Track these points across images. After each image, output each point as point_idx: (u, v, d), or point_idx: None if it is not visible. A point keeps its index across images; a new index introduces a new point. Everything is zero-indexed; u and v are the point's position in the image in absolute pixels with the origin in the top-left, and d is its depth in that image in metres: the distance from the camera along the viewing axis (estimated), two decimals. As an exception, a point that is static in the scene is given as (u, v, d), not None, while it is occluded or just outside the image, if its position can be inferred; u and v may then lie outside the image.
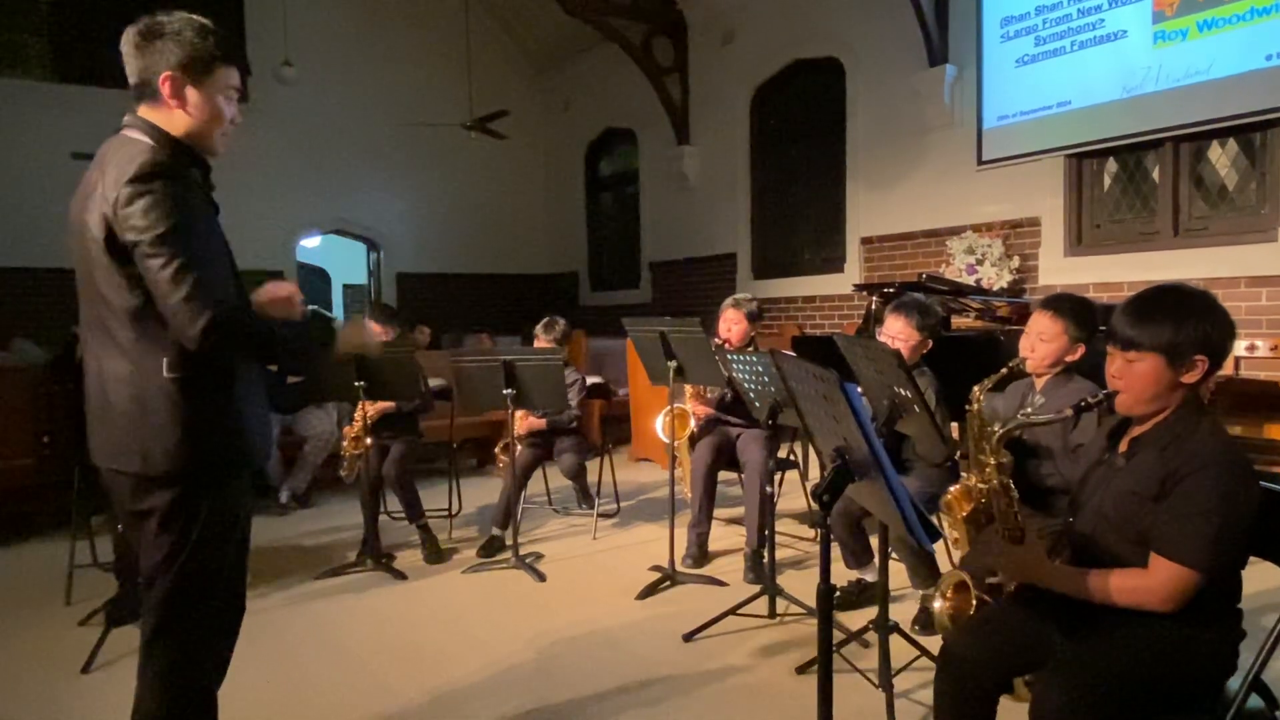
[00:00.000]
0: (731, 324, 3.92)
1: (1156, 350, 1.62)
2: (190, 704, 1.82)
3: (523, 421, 4.37)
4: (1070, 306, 2.56)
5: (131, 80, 1.74)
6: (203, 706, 1.85)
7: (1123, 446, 1.76)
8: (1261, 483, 1.61)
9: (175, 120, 1.74)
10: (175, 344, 1.66)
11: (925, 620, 3.03)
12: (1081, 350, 2.55)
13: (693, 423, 3.97)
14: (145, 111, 1.74)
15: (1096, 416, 2.10)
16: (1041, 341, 2.56)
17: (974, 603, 1.92)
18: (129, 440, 1.69)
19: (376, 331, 4.26)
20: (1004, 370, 2.46)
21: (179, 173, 1.67)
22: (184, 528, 1.74)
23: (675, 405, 3.89)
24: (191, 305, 1.59)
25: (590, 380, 4.94)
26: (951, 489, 2.34)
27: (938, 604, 1.94)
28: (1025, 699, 1.68)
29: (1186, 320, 1.60)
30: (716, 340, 3.87)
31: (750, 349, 3.86)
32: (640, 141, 10.31)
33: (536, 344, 4.48)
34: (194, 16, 1.78)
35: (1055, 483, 2.43)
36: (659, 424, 4.00)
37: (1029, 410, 2.48)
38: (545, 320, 4.58)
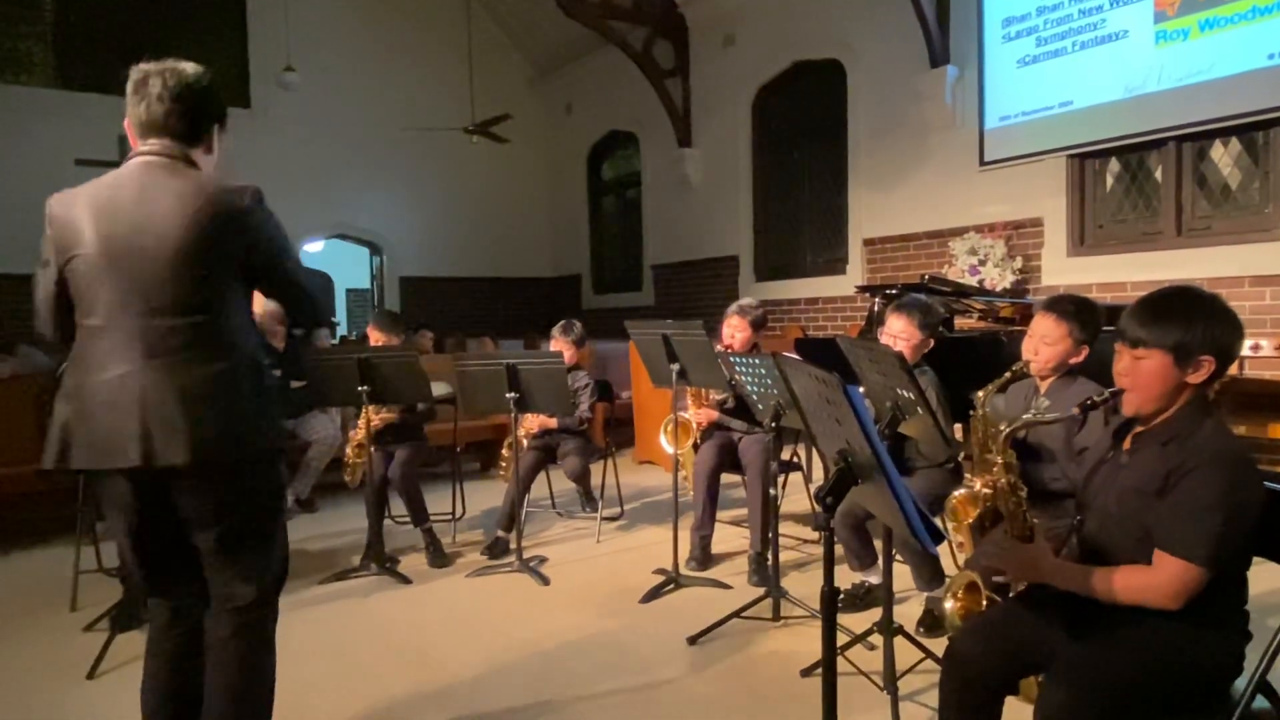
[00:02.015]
0: (735, 331, 3.91)
1: (1164, 349, 1.62)
2: (272, 673, 2.01)
3: (534, 420, 4.37)
4: (1074, 309, 2.51)
5: (180, 127, 1.88)
6: (274, 677, 2.03)
7: (1126, 444, 1.76)
8: (1266, 483, 1.60)
9: (207, 164, 1.96)
10: (253, 330, 1.94)
11: (930, 622, 3.03)
12: (1085, 353, 2.52)
13: (695, 432, 3.96)
14: (180, 151, 1.89)
15: (1103, 420, 2.09)
16: (1045, 345, 2.51)
17: (984, 603, 1.92)
18: (225, 427, 1.79)
19: (379, 339, 4.27)
20: (1008, 375, 2.46)
21: None
22: (274, 501, 1.99)
23: (678, 415, 3.88)
24: (321, 296, 2.05)
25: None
26: (956, 494, 2.33)
27: (949, 604, 1.94)
28: (1033, 701, 1.68)
29: (1195, 321, 1.61)
30: (719, 346, 3.87)
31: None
32: (642, 144, 10.32)
33: (553, 346, 4.49)
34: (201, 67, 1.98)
35: (1061, 487, 2.41)
36: (663, 436, 3.99)
37: (1033, 412, 2.48)
38: (562, 323, 4.58)
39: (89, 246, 1.79)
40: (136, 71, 1.88)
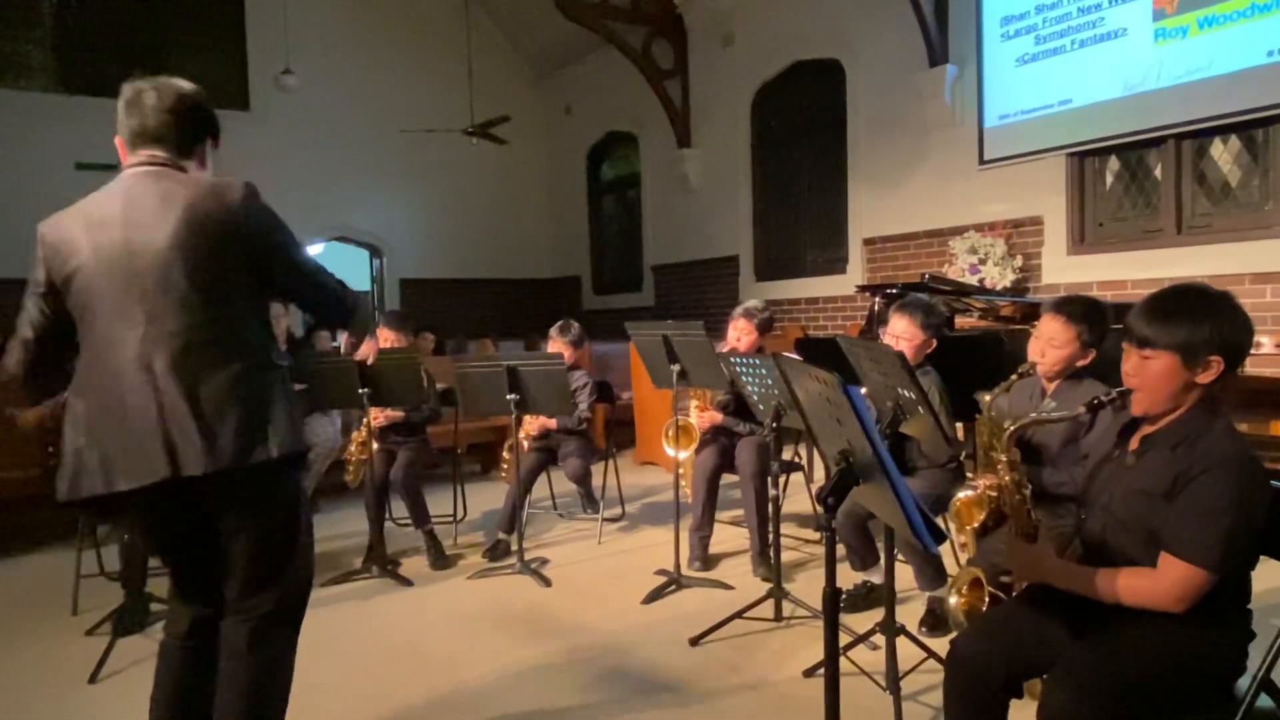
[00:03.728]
0: (742, 334, 3.87)
1: (1172, 349, 1.61)
2: (285, 690, 1.96)
3: (534, 421, 4.36)
4: (1083, 311, 2.48)
5: (177, 141, 1.87)
6: (288, 694, 1.99)
7: (1133, 444, 1.75)
8: (1272, 482, 1.60)
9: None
10: (272, 332, 1.91)
11: (932, 622, 3.03)
12: (1093, 354, 2.49)
13: (698, 435, 3.94)
14: (172, 160, 1.87)
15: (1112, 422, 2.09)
16: (1053, 347, 2.48)
17: (987, 599, 1.91)
18: (244, 434, 1.75)
19: (389, 338, 4.27)
20: (1013, 376, 2.44)
21: None
22: (297, 506, 1.93)
23: (679, 419, 3.87)
24: (343, 287, 1.99)
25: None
26: (960, 496, 2.32)
27: (953, 600, 1.94)
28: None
29: (1203, 320, 1.59)
30: (725, 347, 3.85)
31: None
32: (641, 145, 10.32)
33: (551, 347, 4.48)
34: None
35: (1067, 490, 2.39)
36: (664, 440, 3.97)
37: (1033, 415, 2.47)
38: (560, 323, 4.57)
39: (86, 260, 1.77)
40: (129, 88, 1.86)
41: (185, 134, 1.88)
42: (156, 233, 1.74)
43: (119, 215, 1.77)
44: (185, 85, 1.90)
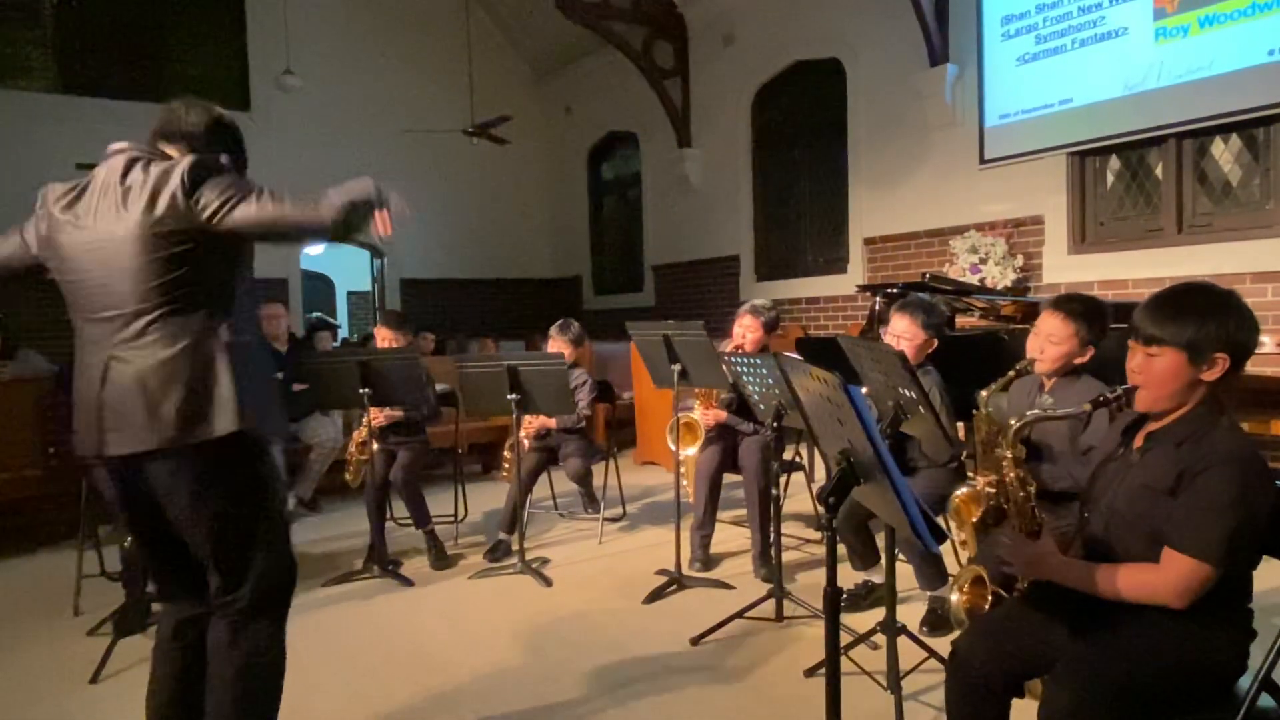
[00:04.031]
0: (747, 331, 3.84)
1: (1177, 346, 1.61)
2: (274, 684, 1.94)
3: (534, 420, 4.36)
4: (1082, 308, 2.50)
5: (190, 133, 1.92)
6: (279, 688, 1.96)
7: (1138, 442, 1.75)
8: (1276, 481, 1.60)
9: None
10: (229, 311, 1.84)
11: (933, 621, 3.03)
12: (1091, 352, 2.50)
13: (702, 432, 3.93)
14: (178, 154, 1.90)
15: (1108, 418, 2.09)
16: (1051, 344, 2.50)
17: (989, 597, 1.91)
18: (197, 409, 1.75)
19: (387, 337, 4.27)
20: (1011, 374, 2.45)
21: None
22: (255, 495, 1.87)
23: (681, 415, 3.86)
24: (298, 201, 1.78)
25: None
26: (959, 493, 2.33)
27: (955, 597, 1.94)
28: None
29: (1209, 318, 1.59)
30: (730, 345, 3.84)
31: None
32: (642, 145, 10.31)
33: (551, 346, 4.47)
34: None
35: (1066, 486, 2.40)
36: (668, 436, 3.96)
37: (1041, 409, 2.47)
38: (560, 322, 4.57)
39: (59, 248, 1.84)
40: (179, 103, 1.95)
41: (206, 137, 1.93)
42: (114, 222, 1.79)
43: (86, 201, 1.84)
44: (224, 112, 2.01)
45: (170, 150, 1.90)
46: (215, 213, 1.75)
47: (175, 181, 1.75)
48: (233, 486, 1.84)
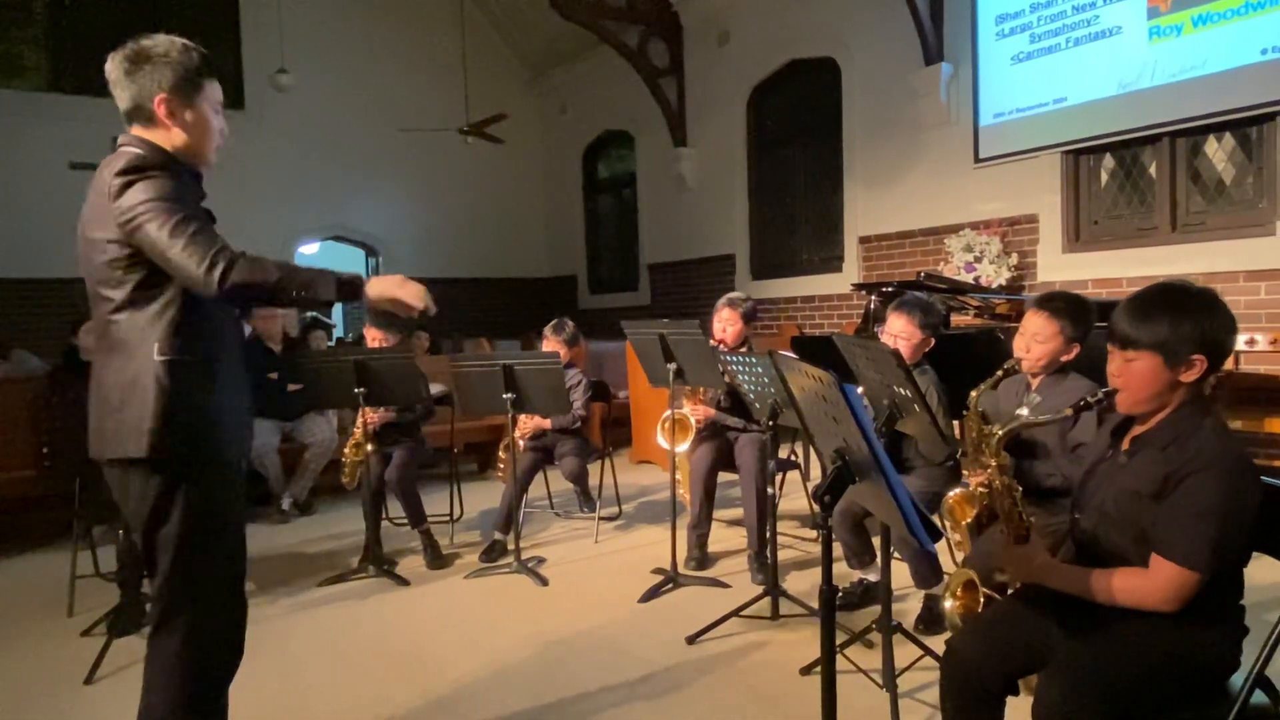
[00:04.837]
0: (727, 324, 3.90)
1: (1153, 349, 1.61)
2: (198, 694, 1.83)
3: (529, 421, 4.36)
4: (1066, 306, 2.50)
5: (123, 106, 1.81)
6: (212, 697, 1.87)
7: (1125, 444, 1.76)
8: (1263, 478, 1.60)
9: (172, 138, 1.81)
10: (167, 327, 1.74)
11: (929, 619, 3.03)
12: (1077, 350, 2.51)
13: (694, 426, 3.94)
14: (139, 132, 1.81)
15: (1096, 414, 2.09)
16: (1036, 342, 2.50)
17: (982, 600, 1.92)
18: (120, 426, 1.75)
19: (376, 338, 4.26)
20: (999, 373, 2.46)
21: (170, 170, 1.74)
22: (169, 515, 1.78)
23: (675, 411, 3.88)
24: (197, 247, 1.64)
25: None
26: (952, 494, 2.34)
27: (948, 603, 1.94)
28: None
29: (1183, 319, 1.59)
30: (712, 340, 3.86)
31: (744, 348, 3.86)
32: (637, 144, 10.31)
33: (545, 345, 4.47)
34: (174, 37, 1.85)
35: (1055, 483, 2.42)
36: (659, 433, 3.98)
37: (1025, 410, 2.48)
38: (554, 321, 4.57)
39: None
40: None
41: (135, 103, 1.78)
42: (87, 226, 1.77)
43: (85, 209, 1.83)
44: (130, 46, 1.81)
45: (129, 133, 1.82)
46: (127, 223, 1.67)
47: (105, 180, 1.70)
48: (146, 505, 1.77)
